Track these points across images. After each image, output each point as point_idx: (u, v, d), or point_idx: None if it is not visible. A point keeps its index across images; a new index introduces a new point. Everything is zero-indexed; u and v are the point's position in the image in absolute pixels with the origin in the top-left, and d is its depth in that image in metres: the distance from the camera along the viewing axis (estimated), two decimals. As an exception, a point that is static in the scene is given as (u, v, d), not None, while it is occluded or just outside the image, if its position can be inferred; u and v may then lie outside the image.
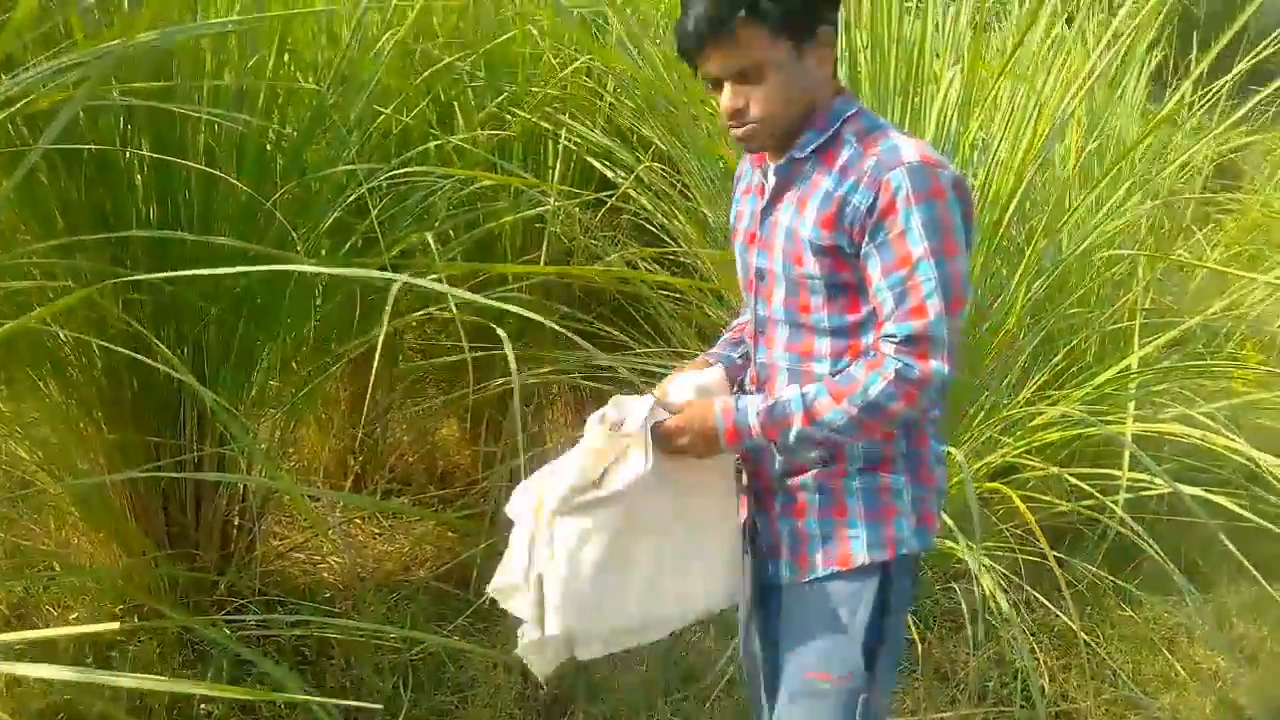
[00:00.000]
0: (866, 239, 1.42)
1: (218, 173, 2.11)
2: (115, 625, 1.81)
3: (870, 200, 1.40)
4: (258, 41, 2.29)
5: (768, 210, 1.53)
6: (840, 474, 1.53)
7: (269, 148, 2.34)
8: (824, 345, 1.51)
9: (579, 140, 2.97)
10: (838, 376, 1.45)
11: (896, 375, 1.39)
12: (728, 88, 1.45)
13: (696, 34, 1.42)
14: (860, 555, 1.52)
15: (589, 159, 3.03)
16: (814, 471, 1.53)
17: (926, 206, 1.39)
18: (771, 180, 1.52)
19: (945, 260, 1.39)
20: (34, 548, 2.31)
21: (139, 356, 1.84)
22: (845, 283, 1.46)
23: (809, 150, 1.47)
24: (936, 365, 1.39)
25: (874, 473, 1.53)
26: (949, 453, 2.43)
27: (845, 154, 1.45)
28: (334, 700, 1.77)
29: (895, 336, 1.40)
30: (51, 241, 2.01)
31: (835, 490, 1.53)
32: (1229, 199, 4.74)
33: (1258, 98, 2.96)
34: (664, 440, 1.49)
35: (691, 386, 1.58)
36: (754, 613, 1.68)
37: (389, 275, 1.68)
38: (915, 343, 1.39)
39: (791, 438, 1.45)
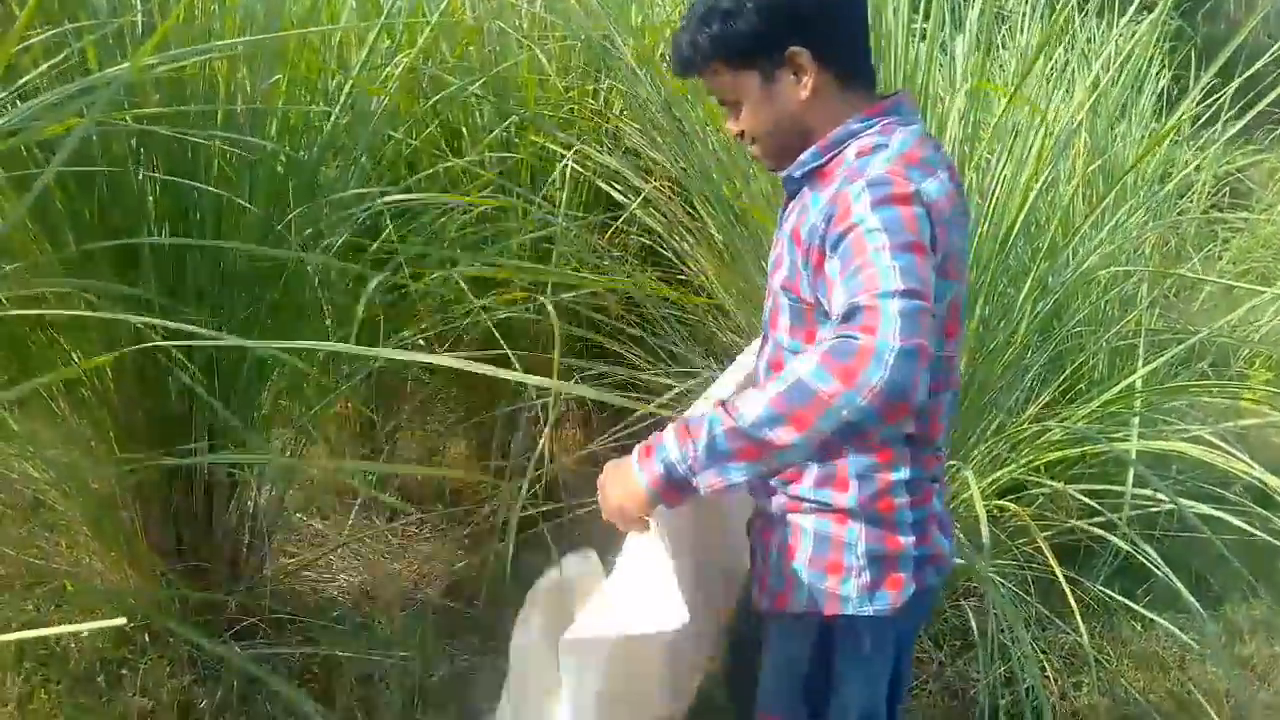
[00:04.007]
0: (829, 250, 1.29)
1: (229, 195, 2.14)
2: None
3: (829, 213, 1.32)
4: (270, 68, 2.33)
5: (780, 226, 1.52)
6: (796, 508, 1.46)
7: (281, 170, 2.37)
8: None
9: (587, 162, 3.00)
10: None
11: (830, 350, 1.17)
12: (729, 113, 1.49)
13: (676, 69, 1.50)
14: (799, 603, 1.45)
15: (597, 181, 3.06)
16: (782, 500, 1.47)
17: (886, 209, 1.26)
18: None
19: (908, 254, 1.22)
20: (46, 566, 2.32)
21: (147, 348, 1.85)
22: (804, 305, 1.41)
23: (803, 171, 1.44)
24: (883, 340, 1.14)
25: (826, 517, 1.44)
26: (956, 466, 2.45)
27: (839, 171, 1.39)
28: None
29: (838, 316, 1.21)
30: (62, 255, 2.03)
31: (793, 525, 1.46)
32: (1236, 218, 4.75)
33: (1254, 110, 2.96)
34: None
35: (733, 382, 1.52)
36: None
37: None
38: (858, 315, 1.17)
39: (705, 438, 1.23)
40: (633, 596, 1.36)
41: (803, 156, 1.44)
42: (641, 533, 1.37)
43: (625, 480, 1.33)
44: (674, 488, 1.28)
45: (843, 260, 1.25)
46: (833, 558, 1.43)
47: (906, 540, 1.43)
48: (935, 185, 1.33)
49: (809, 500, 1.45)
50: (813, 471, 1.44)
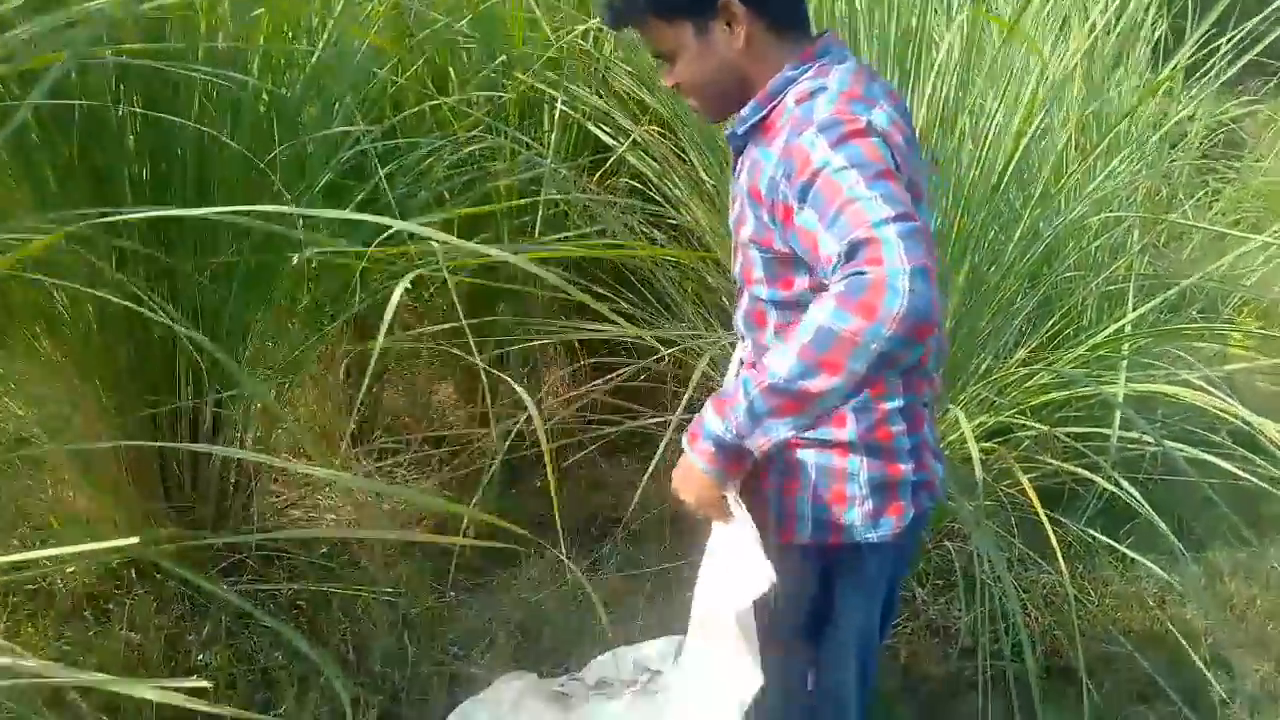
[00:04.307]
0: (797, 203, 1.29)
1: (212, 131, 2.11)
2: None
3: (788, 168, 1.31)
4: (251, 3, 2.29)
5: (735, 175, 1.52)
6: (795, 445, 1.47)
7: (263, 109, 2.33)
8: (771, 316, 1.47)
9: (577, 104, 2.97)
10: None
11: (843, 291, 1.17)
12: (664, 66, 1.49)
13: (607, 22, 1.50)
14: (803, 534, 1.49)
15: (586, 124, 3.02)
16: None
17: (846, 146, 1.26)
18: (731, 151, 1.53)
19: (883, 182, 1.22)
20: (31, 504, 2.33)
21: (135, 308, 1.84)
22: (778, 256, 1.40)
23: (745, 127, 1.44)
24: (892, 267, 1.15)
25: (828, 451, 1.46)
26: (945, 408, 2.46)
27: (781, 121, 1.38)
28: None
29: (839, 256, 1.21)
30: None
31: (792, 462, 1.48)
32: (1228, 167, 4.73)
33: (1245, 58, 2.93)
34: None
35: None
36: None
37: (386, 220, 1.66)
38: (860, 250, 1.18)
39: (744, 408, 1.27)
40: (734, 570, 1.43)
41: (743, 112, 1.44)
42: (729, 519, 1.42)
43: (688, 472, 1.38)
44: (730, 458, 1.33)
45: (818, 207, 1.25)
46: (836, 489, 1.47)
47: (905, 467, 1.47)
48: (881, 115, 1.33)
49: (808, 437, 1.45)
50: None
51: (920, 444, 1.49)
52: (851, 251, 1.19)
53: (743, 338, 1.58)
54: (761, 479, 1.51)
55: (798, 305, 1.41)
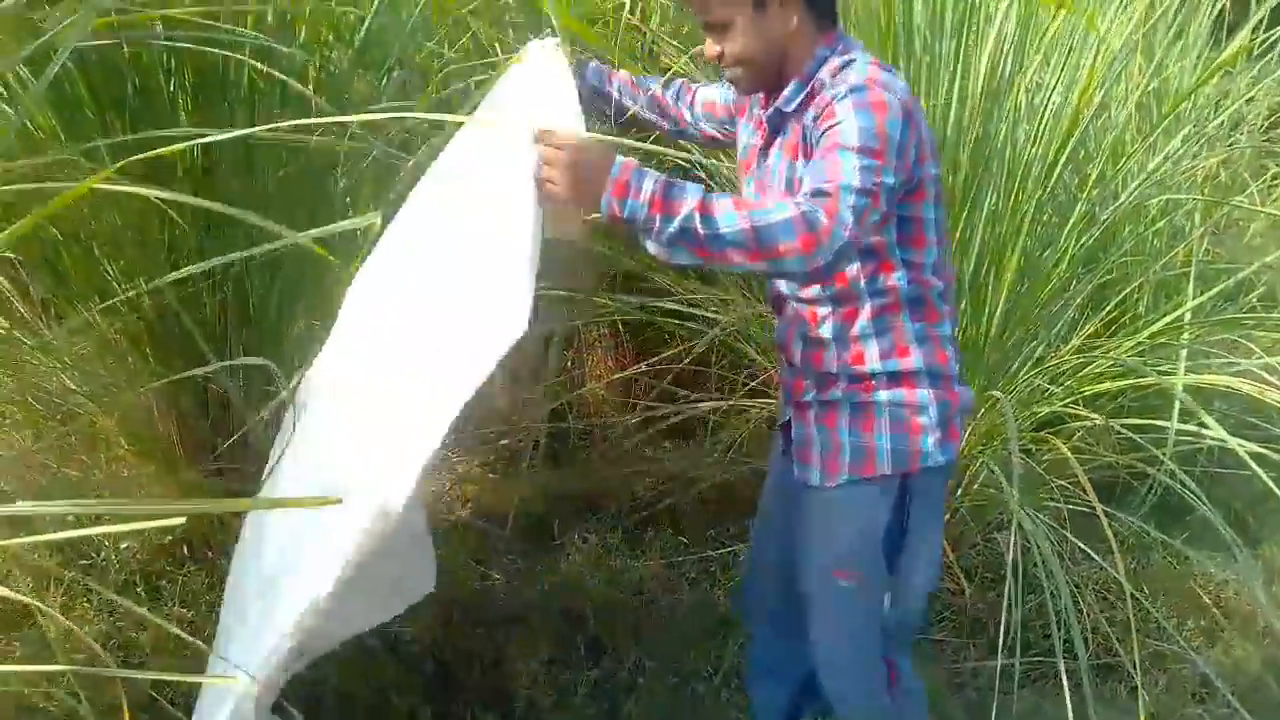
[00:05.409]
0: (815, 144, 1.50)
1: (260, 93, 2.09)
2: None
3: (816, 115, 1.51)
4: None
5: (764, 153, 1.67)
6: (868, 388, 1.62)
7: (311, 86, 2.31)
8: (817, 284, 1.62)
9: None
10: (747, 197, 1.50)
11: (803, 214, 1.37)
12: (708, 36, 1.60)
13: None
14: (883, 465, 1.62)
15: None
16: (844, 385, 1.63)
17: (864, 114, 1.45)
18: (765, 125, 1.66)
19: (871, 159, 1.42)
20: (84, 479, 2.35)
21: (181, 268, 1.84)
22: None
23: (792, 106, 1.59)
24: (838, 226, 1.37)
25: (899, 388, 1.61)
26: (995, 398, 2.41)
27: (819, 94, 1.54)
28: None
29: (806, 190, 1.41)
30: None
31: (864, 404, 1.63)
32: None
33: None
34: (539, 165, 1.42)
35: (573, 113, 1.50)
36: (773, 515, 1.83)
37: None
38: (823, 196, 1.39)
39: (675, 225, 1.38)
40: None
41: (787, 93, 1.60)
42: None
43: (591, 189, 1.41)
44: (621, 226, 1.43)
45: (822, 147, 1.46)
46: (911, 420, 1.62)
47: (960, 391, 1.66)
48: (902, 83, 1.54)
49: (878, 375, 1.61)
50: (873, 349, 1.61)
51: (961, 369, 1.69)
52: (817, 193, 1.40)
53: (776, 311, 1.74)
54: (829, 421, 1.65)
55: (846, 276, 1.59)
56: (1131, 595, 2.30)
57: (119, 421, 2.30)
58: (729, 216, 1.37)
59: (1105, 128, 3.16)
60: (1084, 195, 2.73)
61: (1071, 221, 2.69)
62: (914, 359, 1.61)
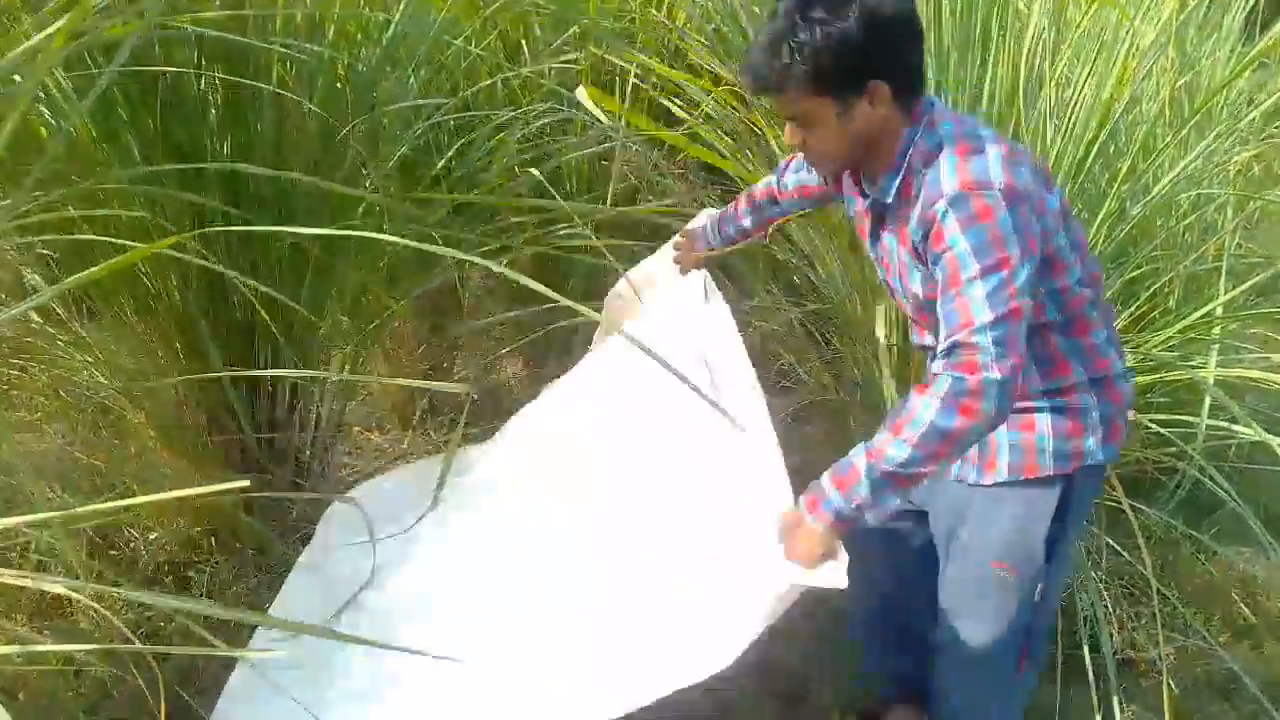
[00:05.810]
0: (930, 264, 1.51)
1: (293, 97, 2.12)
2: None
3: (924, 232, 1.51)
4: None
5: (874, 235, 1.69)
6: (1031, 409, 1.66)
7: (339, 84, 2.34)
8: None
9: (650, 75, 2.93)
10: (898, 410, 1.49)
11: (947, 392, 1.41)
12: (788, 124, 1.58)
13: (749, 88, 1.60)
14: (1046, 466, 1.66)
15: (658, 97, 2.98)
16: None
17: (974, 231, 1.44)
18: (867, 211, 1.69)
19: (996, 274, 1.42)
20: (115, 471, 2.38)
21: (211, 265, 1.86)
22: None
23: (891, 196, 1.59)
24: (987, 374, 1.40)
25: (1060, 398, 1.65)
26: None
27: (916, 185, 1.54)
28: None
29: (944, 351, 1.45)
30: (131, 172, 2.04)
31: (1026, 408, 1.66)
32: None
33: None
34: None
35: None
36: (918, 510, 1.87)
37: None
38: (960, 352, 1.42)
39: (866, 487, 1.46)
40: None
41: (881, 184, 1.60)
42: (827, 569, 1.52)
43: (807, 533, 1.49)
44: (844, 523, 1.48)
45: (941, 281, 1.47)
46: (1074, 423, 1.66)
47: (1123, 388, 1.70)
48: (993, 150, 1.49)
49: (1039, 395, 1.65)
50: (1034, 378, 1.64)
51: (1124, 370, 1.70)
52: (951, 350, 1.43)
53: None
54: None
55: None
56: (1158, 590, 2.28)
57: (148, 415, 2.33)
58: (897, 447, 1.43)
59: (1136, 122, 3.13)
60: (1114, 190, 2.70)
61: (1101, 216, 2.67)
62: (1074, 373, 1.65)
